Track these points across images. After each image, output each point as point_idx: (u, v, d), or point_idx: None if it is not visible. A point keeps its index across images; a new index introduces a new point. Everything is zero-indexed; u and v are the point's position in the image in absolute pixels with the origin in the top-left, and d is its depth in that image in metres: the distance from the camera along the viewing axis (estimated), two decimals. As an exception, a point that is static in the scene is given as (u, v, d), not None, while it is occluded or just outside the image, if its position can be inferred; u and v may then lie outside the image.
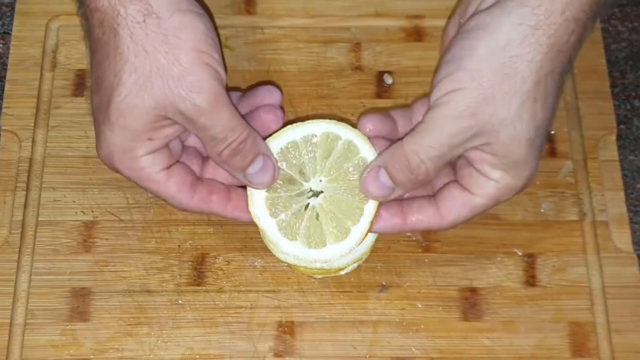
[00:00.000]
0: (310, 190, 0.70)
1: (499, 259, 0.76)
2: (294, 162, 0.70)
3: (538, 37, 0.63)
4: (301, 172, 0.70)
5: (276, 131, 0.71)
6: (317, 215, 0.70)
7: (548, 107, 0.65)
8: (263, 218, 0.70)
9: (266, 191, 0.70)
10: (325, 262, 0.70)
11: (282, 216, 0.70)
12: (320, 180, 0.70)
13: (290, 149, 0.70)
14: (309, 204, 0.70)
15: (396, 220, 0.69)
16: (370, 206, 0.69)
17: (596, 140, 0.80)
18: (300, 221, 0.70)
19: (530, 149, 0.65)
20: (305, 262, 0.70)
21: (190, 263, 0.75)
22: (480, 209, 0.68)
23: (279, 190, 0.70)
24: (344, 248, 0.69)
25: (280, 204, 0.70)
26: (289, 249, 0.70)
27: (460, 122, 0.64)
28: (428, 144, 0.65)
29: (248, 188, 0.70)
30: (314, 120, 0.71)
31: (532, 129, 0.65)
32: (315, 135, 0.71)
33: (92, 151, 0.78)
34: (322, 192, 0.70)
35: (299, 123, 0.71)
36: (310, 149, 0.70)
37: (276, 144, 0.71)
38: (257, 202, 0.70)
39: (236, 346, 0.72)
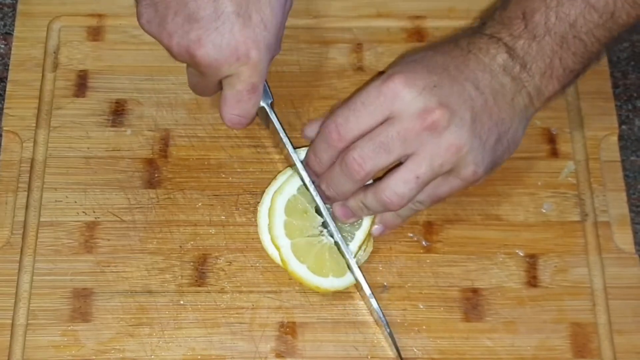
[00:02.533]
0: (322, 225, 0.74)
1: (501, 259, 0.76)
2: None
3: None
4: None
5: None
6: (326, 251, 0.73)
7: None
8: (281, 237, 0.73)
9: (285, 215, 0.73)
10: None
11: (297, 240, 0.73)
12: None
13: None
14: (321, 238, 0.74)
15: None
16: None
17: (598, 141, 0.80)
18: (311, 250, 0.73)
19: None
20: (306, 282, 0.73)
21: (191, 264, 0.75)
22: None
23: (295, 219, 0.74)
24: (341, 283, 0.73)
25: (297, 230, 0.73)
26: (296, 268, 0.73)
27: None
28: None
29: (264, 215, 0.74)
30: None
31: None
32: None
33: (94, 152, 0.79)
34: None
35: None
36: None
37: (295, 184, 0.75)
38: (278, 225, 0.73)
39: (238, 347, 0.72)
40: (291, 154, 0.73)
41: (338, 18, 0.85)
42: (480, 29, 0.70)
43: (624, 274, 0.75)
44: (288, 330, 0.73)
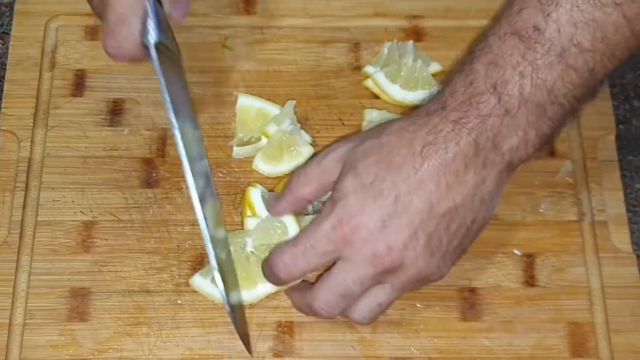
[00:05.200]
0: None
1: (498, 259, 0.76)
2: None
3: None
4: None
5: None
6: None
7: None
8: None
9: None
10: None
11: None
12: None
13: None
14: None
15: None
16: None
17: (595, 141, 0.80)
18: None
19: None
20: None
21: (189, 263, 0.75)
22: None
23: None
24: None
25: None
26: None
27: None
28: None
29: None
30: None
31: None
32: None
33: (91, 151, 0.79)
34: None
35: None
36: None
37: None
38: None
39: (235, 346, 0.72)
40: (167, 107, 0.66)
41: (335, 17, 0.85)
42: (443, 111, 0.63)
43: (621, 273, 0.75)
44: (286, 329, 0.73)
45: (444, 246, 0.65)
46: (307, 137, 0.79)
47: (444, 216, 0.64)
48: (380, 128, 0.67)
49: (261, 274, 0.71)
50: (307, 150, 0.78)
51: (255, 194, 0.75)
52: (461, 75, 0.63)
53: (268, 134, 0.78)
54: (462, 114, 0.62)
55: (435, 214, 0.63)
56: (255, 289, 0.73)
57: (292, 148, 0.78)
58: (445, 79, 0.66)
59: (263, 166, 0.78)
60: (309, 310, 0.69)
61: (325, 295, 0.67)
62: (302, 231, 0.67)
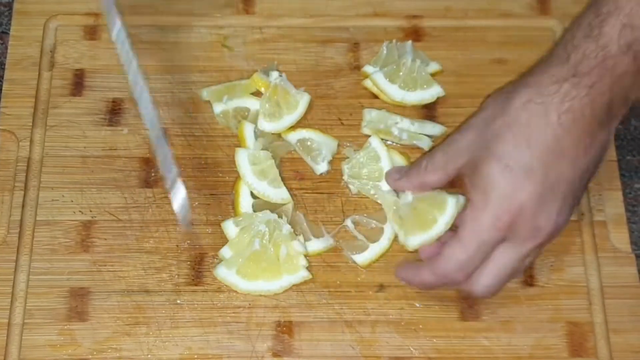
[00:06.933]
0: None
1: (497, 258, 0.76)
2: None
3: None
4: None
5: None
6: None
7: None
8: None
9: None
10: None
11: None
12: None
13: None
14: None
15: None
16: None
17: (594, 140, 0.80)
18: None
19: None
20: None
21: (188, 263, 0.75)
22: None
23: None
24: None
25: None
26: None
27: None
28: None
29: None
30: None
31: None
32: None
33: (90, 151, 0.79)
34: None
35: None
36: None
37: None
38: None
39: (234, 346, 0.72)
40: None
41: (335, 17, 0.85)
42: (574, 78, 0.63)
43: (620, 273, 0.76)
44: (285, 329, 0.73)
45: (578, 200, 0.67)
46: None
47: (583, 174, 0.66)
48: (499, 106, 0.66)
49: (286, 265, 0.74)
50: (304, 97, 0.80)
51: (248, 129, 0.78)
52: (590, 40, 0.63)
53: (259, 81, 0.81)
54: (596, 79, 0.63)
55: (579, 177, 0.65)
56: (281, 280, 0.74)
57: (287, 98, 0.79)
58: (568, 42, 0.64)
59: (267, 125, 0.79)
60: (469, 293, 0.68)
61: (489, 281, 0.67)
62: (462, 228, 0.67)
